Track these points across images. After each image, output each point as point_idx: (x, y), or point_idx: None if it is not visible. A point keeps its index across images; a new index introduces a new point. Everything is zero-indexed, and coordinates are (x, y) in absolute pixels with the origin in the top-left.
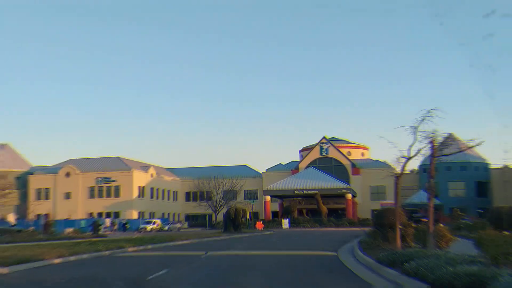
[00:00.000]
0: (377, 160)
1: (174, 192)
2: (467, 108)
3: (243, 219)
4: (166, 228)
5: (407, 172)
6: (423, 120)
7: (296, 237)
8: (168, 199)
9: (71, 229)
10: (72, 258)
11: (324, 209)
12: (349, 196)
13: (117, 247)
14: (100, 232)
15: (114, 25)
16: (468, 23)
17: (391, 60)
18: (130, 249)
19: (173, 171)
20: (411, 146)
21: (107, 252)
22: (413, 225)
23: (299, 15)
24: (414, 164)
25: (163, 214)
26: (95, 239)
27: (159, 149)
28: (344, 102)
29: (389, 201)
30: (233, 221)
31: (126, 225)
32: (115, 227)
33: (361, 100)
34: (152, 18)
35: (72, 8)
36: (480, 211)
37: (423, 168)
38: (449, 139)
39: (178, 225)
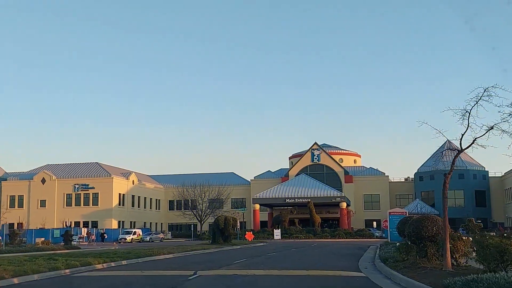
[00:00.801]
0: (370, 168)
1: (157, 200)
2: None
3: (233, 229)
4: (148, 238)
5: (401, 181)
6: (478, 101)
7: (295, 250)
8: (151, 207)
9: (41, 240)
10: (15, 280)
11: (317, 218)
12: (344, 204)
13: (82, 263)
14: (73, 243)
15: (90, 28)
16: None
17: (386, 65)
18: (98, 266)
19: (156, 178)
20: (463, 134)
21: (67, 271)
22: (465, 237)
23: (287, 20)
24: (410, 172)
25: (144, 223)
26: (64, 251)
27: (142, 155)
28: (334, 108)
29: (400, 209)
30: (222, 232)
31: (104, 235)
32: (92, 237)
33: (352, 107)
34: (125, 22)
35: (45, 9)
36: (478, 222)
37: (419, 176)
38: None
39: (161, 235)
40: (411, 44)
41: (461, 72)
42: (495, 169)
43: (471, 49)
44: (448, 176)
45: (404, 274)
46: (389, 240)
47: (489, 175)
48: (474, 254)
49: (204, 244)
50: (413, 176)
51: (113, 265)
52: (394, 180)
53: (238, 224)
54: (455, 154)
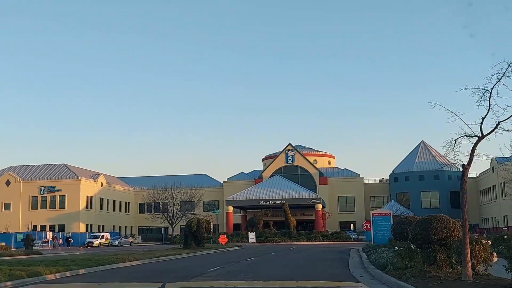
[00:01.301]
0: (345, 169)
1: (126, 203)
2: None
3: (206, 233)
4: (117, 243)
5: (376, 182)
6: (500, 79)
7: (273, 254)
8: (120, 210)
9: (2, 244)
10: None
11: (292, 221)
12: (319, 206)
13: (30, 274)
14: (36, 248)
15: (52, 30)
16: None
17: (364, 67)
18: (50, 276)
19: (126, 180)
20: (484, 117)
21: (8, 284)
22: (484, 241)
23: (261, 21)
24: (384, 173)
25: (113, 227)
26: (22, 257)
27: (111, 157)
28: (308, 110)
29: (385, 210)
30: (195, 235)
31: (70, 240)
32: (58, 241)
33: (325, 108)
34: (89, 23)
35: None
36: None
37: (394, 177)
38: None
39: (130, 239)
40: (397, 46)
41: (457, 78)
42: (470, 170)
43: (470, 54)
44: (467, 168)
45: (415, 285)
46: (372, 243)
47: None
48: (495, 260)
49: (175, 248)
50: (387, 178)
51: (68, 274)
52: (369, 182)
53: (212, 227)
54: (475, 141)
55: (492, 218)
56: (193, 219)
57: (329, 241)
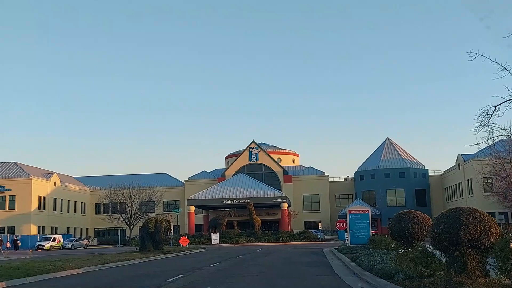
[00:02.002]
0: (310, 167)
1: (82, 203)
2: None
3: (166, 234)
4: (70, 245)
5: (341, 180)
6: None
7: (241, 258)
8: (75, 211)
9: None
10: None
11: (257, 220)
12: (285, 205)
13: None
14: None
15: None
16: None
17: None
18: None
19: (81, 179)
20: None
21: None
22: None
23: (224, 22)
24: (349, 171)
25: (68, 229)
26: None
27: (66, 155)
28: (271, 108)
29: (361, 207)
30: (153, 237)
31: (18, 243)
32: (6, 245)
33: (289, 106)
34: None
35: None
36: None
37: (360, 175)
38: None
39: (85, 242)
40: (363, 43)
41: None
42: (434, 167)
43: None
44: None
45: None
46: (349, 243)
47: (429, 174)
48: None
49: (130, 252)
50: (352, 176)
51: None
52: (334, 180)
53: (172, 228)
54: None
55: None
56: (151, 218)
57: (296, 241)
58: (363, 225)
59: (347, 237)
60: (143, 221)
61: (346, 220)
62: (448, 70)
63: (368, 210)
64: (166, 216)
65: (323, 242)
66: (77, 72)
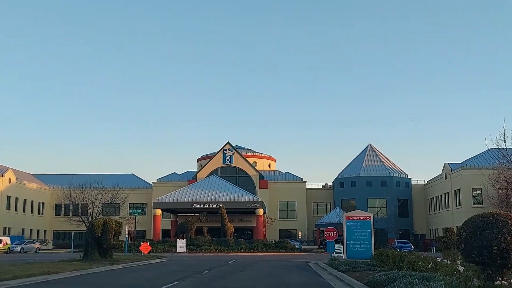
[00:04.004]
0: (286, 172)
1: (40, 203)
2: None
3: (116, 238)
4: (19, 249)
5: (319, 187)
6: None
7: (209, 273)
8: (32, 212)
9: None
10: None
11: (230, 227)
12: (261, 211)
13: None
14: None
15: None
16: None
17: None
18: None
19: (41, 177)
20: None
21: None
22: None
23: (195, 24)
24: (327, 179)
25: (23, 230)
26: None
27: (24, 151)
28: (247, 110)
29: (362, 212)
30: (99, 242)
31: None
32: None
33: (265, 109)
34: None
35: None
36: (400, 233)
37: (340, 182)
38: None
39: (37, 245)
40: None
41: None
42: (416, 177)
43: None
44: None
45: None
46: (344, 258)
47: (412, 183)
48: None
49: (68, 261)
50: (331, 183)
51: None
52: (312, 187)
53: (127, 231)
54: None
55: (443, 228)
56: (98, 220)
57: (272, 252)
58: (363, 235)
59: (338, 249)
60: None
61: (337, 229)
62: (432, 79)
63: (370, 217)
64: (128, 220)
65: (303, 253)
66: (41, 62)
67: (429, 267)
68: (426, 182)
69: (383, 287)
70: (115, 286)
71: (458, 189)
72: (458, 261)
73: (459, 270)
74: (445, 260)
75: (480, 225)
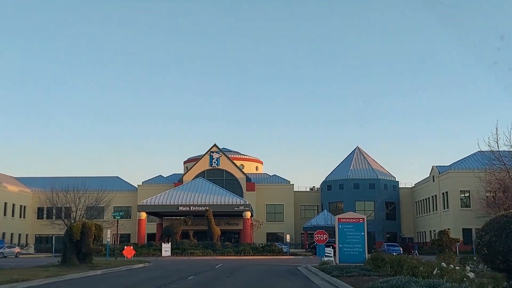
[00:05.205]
0: (274, 175)
1: (22, 206)
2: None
3: (96, 243)
4: None
5: (307, 190)
6: None
7: (193, 278)
8: (13, 215)
9: None
10: None
11: (217, 230)
12: (248, 214)
13: None
14: None
15: None
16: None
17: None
18: None
19: (22, 180)
20: None
21: None
22: None
23: (184, 21)
24: (314, 182)
25: (4, 234)
26: None
27: (5, 153)
28: (234, 113)
29: (355, 214)
30: (78, 246)
31: None
32: None
33: (253, 112)
34: None
35: None
36: (387, 236)
37: (327, 185)
38: None
39: (17, 249)
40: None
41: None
42: (403, 180)
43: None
44: None
45: None
46: (336, 262)
47: (400, 186)
48: None
49: (44, 266)
50: (319, 186)
51: None
52: (299, 190)
53: (109, 235)
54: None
55: (430, 231)
56: (77, 223)
57: (260, 255)
58: (356, 238)
59: (328, 252)
60: (67, 227)
61: (328, 232)
62: (419, 81)
63: (363, 219)
64: (112, 223)
65: (291, 256)
66: (22, 62)
67: (434, 273)
68: (413, 185)
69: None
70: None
71: (446, 192)
72: (468, 267)
73: (468, 276)
74: (451, 266)
75: (506, 226)
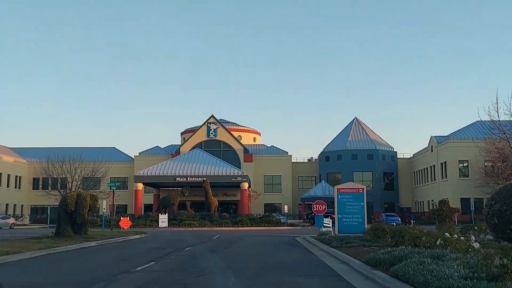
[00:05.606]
0: (272, 146)
1: (17, 177)
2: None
3: (91, 213)
4: None
5: (304, 161)
6: None
7: (190, 249)
8: (8, 186)
9: None
10: None
11: (214, 201)
12: (246, 185)
13: None
14: None
15: None
16: None
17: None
18: None
19: (18, 151)
20: None
21: None
22: None
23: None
24: (312, 152)
25: None
26: None
27: (2, 124)
28: (230, 83)
29: (354, 184)
30: (73, 217)
31: None
32: None
33: (250, 82)
34: None
35: None
36: (385, 206)
37: (325, 156)
38: None
39: (12, 220)
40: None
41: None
42: (403, 150)
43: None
44: None
45: None
46: (335, 233)
47: (398, 156)
48: None
49: (37, 238)
50: (317, 157)
51: None
52: (297, 161)
53: (104, 206)
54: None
55: (429, 201)
56: (72, 193)
57: (257, 226)
58: (355, 209)
59: (326, 223)
60: (61, 197)
61: (326, 203)
62: (418, 50)
63: (363, 189)
64: (108, 194)
65: (289, 227)
66: (16, 28)
67: (437, 243)
68: (412, 155)
69: (390, 267)
70: (81, 269)
71: (445, 162)
72: (473, 237)
73: (473, 247)
74: (455, 236)
75: None
